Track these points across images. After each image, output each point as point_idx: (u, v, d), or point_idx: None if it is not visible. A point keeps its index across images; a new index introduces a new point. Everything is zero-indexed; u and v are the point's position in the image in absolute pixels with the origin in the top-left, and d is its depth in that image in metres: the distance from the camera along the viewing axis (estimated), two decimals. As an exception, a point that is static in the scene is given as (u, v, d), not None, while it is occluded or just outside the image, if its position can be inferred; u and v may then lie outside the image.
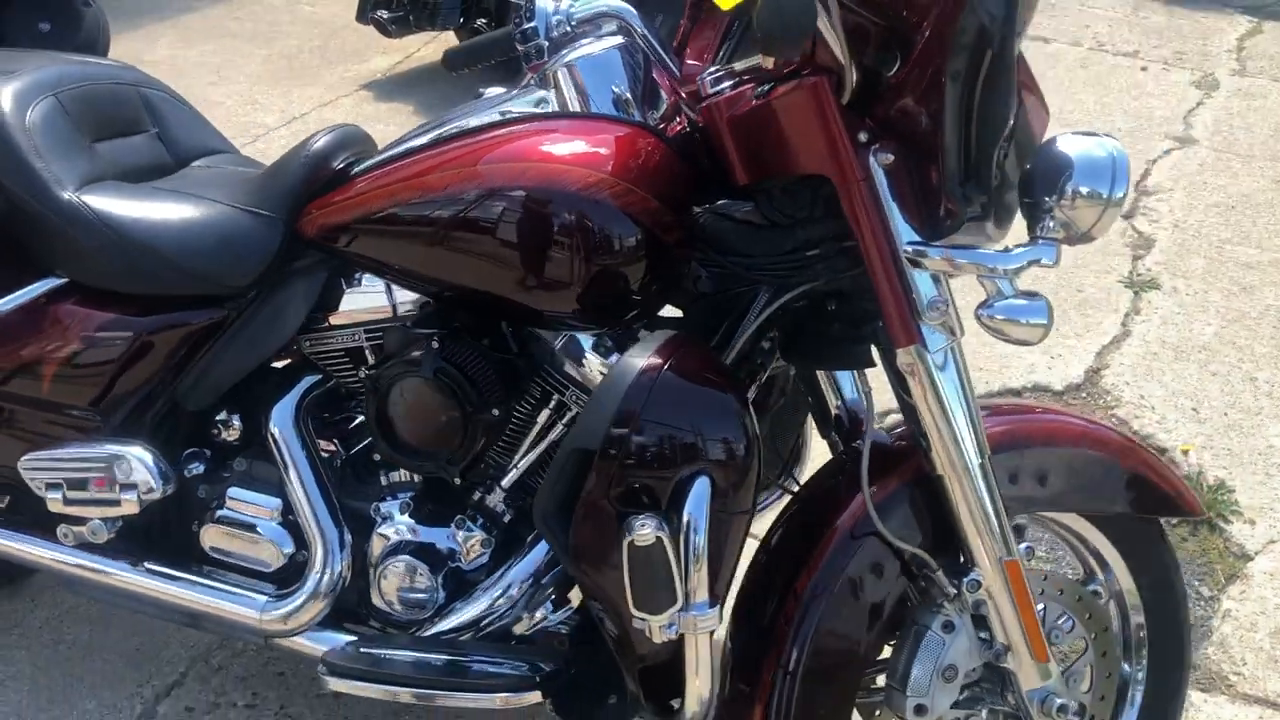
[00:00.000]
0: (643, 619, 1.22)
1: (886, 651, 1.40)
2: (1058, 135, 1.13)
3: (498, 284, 1.35)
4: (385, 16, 4.08)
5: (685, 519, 1.19)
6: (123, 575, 1.60)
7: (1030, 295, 1.15)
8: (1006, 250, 1.15)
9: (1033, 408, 1.50)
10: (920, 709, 1.30)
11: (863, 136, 1.16)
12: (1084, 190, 1.08)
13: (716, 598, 1.24)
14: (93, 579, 1.61)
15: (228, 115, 3.84)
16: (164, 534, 1.62)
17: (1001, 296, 1.16)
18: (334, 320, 1.51)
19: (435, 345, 1.39)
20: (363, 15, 4.18)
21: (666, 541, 1.19)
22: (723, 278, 1.34)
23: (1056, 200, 1.11)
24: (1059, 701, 1.34)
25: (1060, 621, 1.40)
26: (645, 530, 1.19)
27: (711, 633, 1.25)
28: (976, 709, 1.38)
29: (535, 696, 1.38)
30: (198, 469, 1.59)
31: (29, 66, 1.63)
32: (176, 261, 1.50)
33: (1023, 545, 1.31)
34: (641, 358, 1.23)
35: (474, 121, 1.41)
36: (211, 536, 1.57)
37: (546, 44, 1.37)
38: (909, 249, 1.16)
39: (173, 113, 1.76)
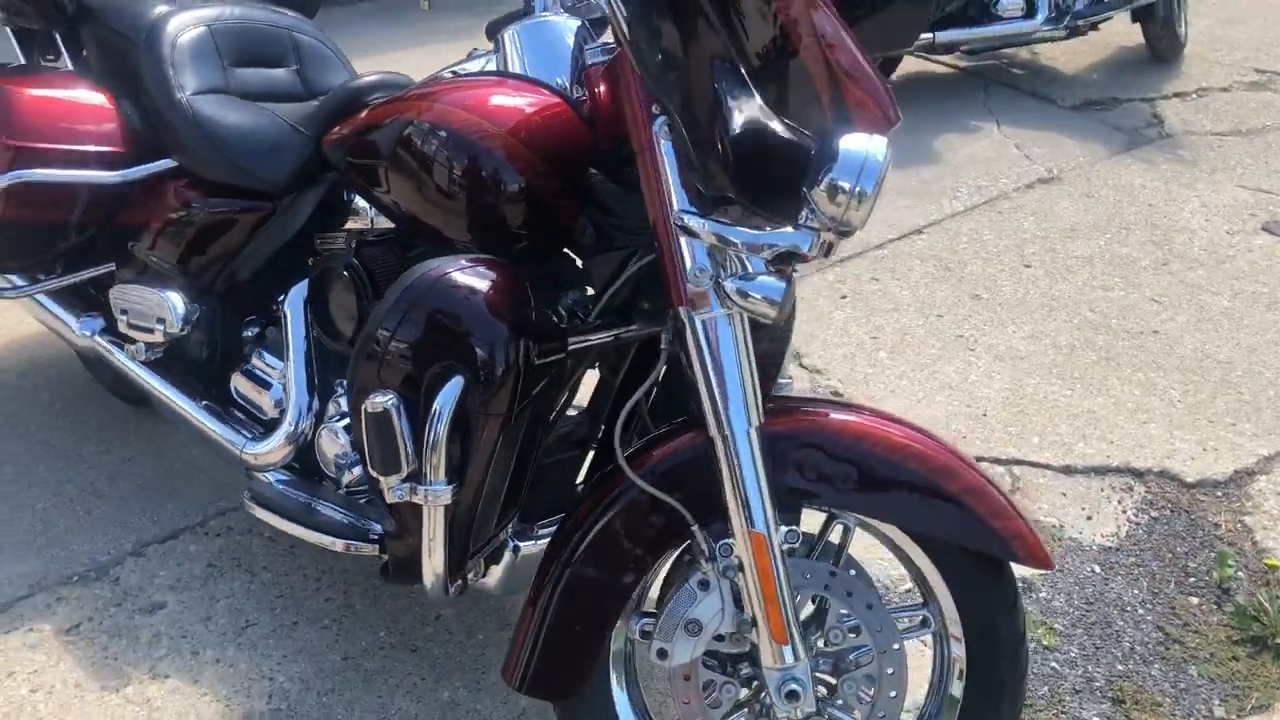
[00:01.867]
0: (376, 478, 1.39)
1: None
2: (842, 132, 1.14)
3: (416, 208, 1.55)
4: None
5: (433, 407, 1.34)
6: (162, 390, 1.96)
7: (777, 275, 1.20)
8: (762, 231, 1.19)
9: (860, 408, 1.43)
10: (662, 653, 1.36)
11: (655, 108, 1.26)
12: (835, 183, 1.11)
13: (461, 480, 1.38)
14: (147, 389, 1.99)
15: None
16: (209, 371, 1.97)
17: (746, 272, 1.22)
18: (346, 227, 1.78)
19: (353, 245, 1.70)
20: None
21: (395, 414, 1.35)
22: (601, 235, 1.47)
23: (810, 189, 1.12)
24: (796, 689, 1.34)
25: (843, 623, 1.40)
26: (378, 400, 1.35)
27: (446, 508, 1.39)
28: (733, 672, 1.42)
29: (371, 550, 1.63)
30: (249, 331, 1.95)
31: (211, 6, 2.03)
32: (236, 160, 1.83)
33: (786, 528, 1.32)
34: (439, 264, 1.39)
35: (445, 75, 1.64)
36: (237, 381, 1.94)
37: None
38: (680, 217, 1.23)
39: (317, 56, 2.07)
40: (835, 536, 1.42)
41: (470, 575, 1.56)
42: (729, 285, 1.22)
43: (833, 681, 1.42)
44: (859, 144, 1.12)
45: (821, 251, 1.17)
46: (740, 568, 1.32)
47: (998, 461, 2.34)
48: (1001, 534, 1.34)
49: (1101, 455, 2.36)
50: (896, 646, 1.40)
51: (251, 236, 1.90)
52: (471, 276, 1.38)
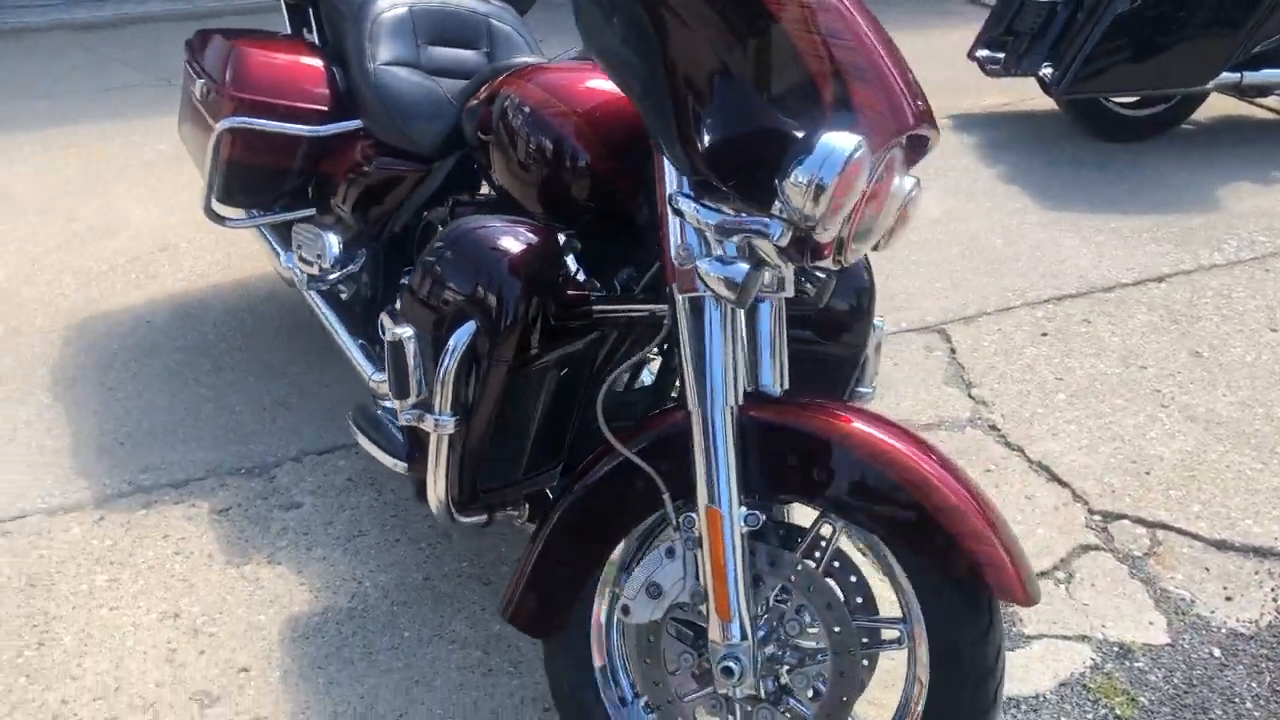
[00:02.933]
0: (391, 402, 1.57)
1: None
2: (836, 129, 1.15)
3: (500, 174, 1.69)
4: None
5: (447, 344, 1.48)
6: (324, 316, 2.22)
7: (740, 259, 1.24)
8: (733, 215, 1.23)
9: (862, 413, 1.36)
10: (625, 609, 1.44)
11: None
12: (798, 175, 1.13)
13: (469, 417, 1.52)
14: (316, 315, 2.26)
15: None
16: (370, 309, 2.19)
17: (712, 254, 1.28)
18: (481, 192, 2.00)
19: (451, 206, 1.99)
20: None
21: (407, 345, 1.52)
22: (654, 215, 1.51)
23: (780, 180, 1.14)
24: (732, 666, 1.36)
25: (801, 616, 1.40)
26: (396, 332, 1.53)
27: (451, 439, 1.53)
28: (691, 642, 1.45)
29: (402, 466, 1.73)
30: (403, 279, 2.10)
31: None
32: (397, 123, 2.06)
33: (748, 512, 1.34)
34: (480, 220, 1.53)
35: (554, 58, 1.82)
36: (382, 318, 2.08)
37: None
38: (675, 198, 1.28)
39: (509, 42, 2.28)
40: (827, 533, 1.42)
41: (507, 512, 1.68)
42: (700, 265, 1.27)
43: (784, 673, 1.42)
44: (831, 140, 1.15)
45: (803, 250, 1.20)
46: (700, 541, 1.37)
47: (1141, 521, 2.17)
48: (971, 557, 1.30)
49: (1270, 537, 2.13)
50: (853, 651, 1.38)
51: (409, 195, 2.11)
52: (503, 234, 1.50)
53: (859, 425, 1.37)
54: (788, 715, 1.41)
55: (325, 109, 2.23)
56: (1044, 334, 2.85)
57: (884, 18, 1.33)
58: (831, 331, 1.70)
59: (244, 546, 2.08)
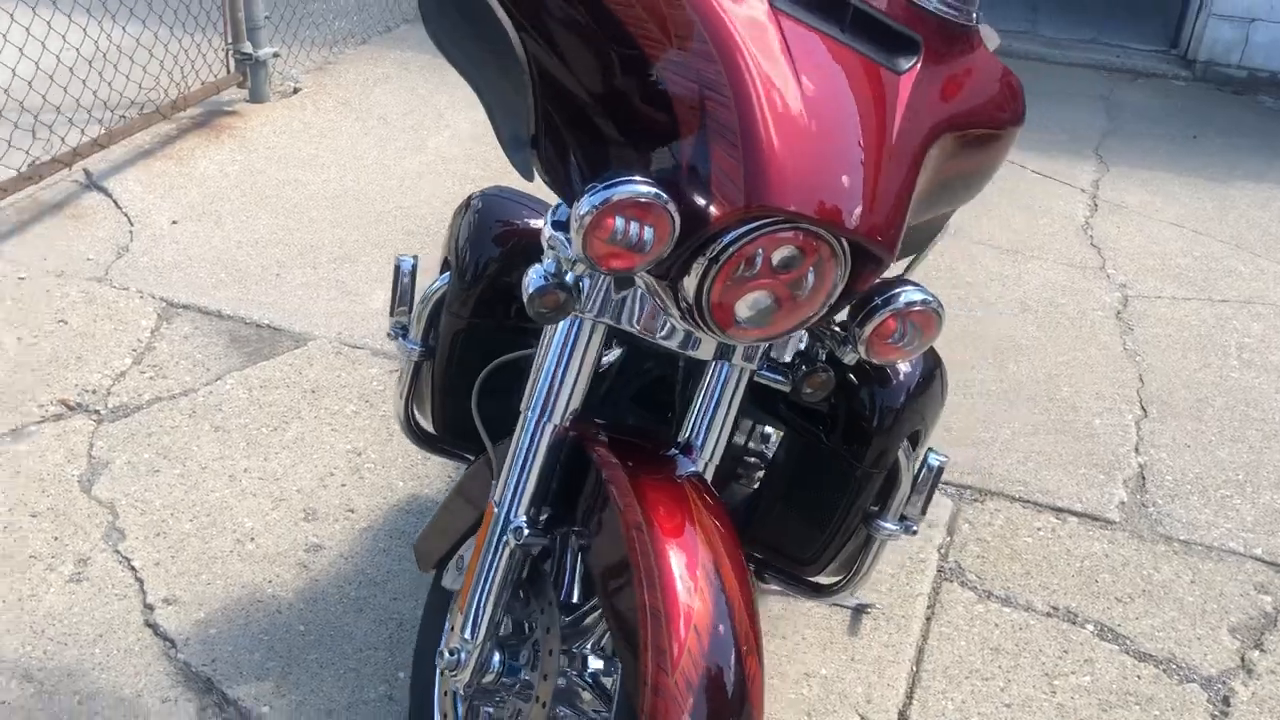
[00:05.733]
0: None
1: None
2: (665, 182, 1.18)
3: None
4: None
5: (430, 284, 1.75)
6: None
7: (551, 273, 1.31)
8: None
9: (704, 505, 1.38)
10: (448, 573, 1.67)
11: None
12: (578, 208, 1.20)
13: (431, 354, 1.77)
14: None
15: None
16: None
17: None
18: None
19: None
20: None
21: (401, 270, 1.78)
22: None
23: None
24: (452, 659, 1.50)
25: (522, 644, 1.51)
26: (401, 257, 1.79)
27: (415, 366, 1.80)
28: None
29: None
30: None
31: None
32: None
33: (529, 531, 1.43)
34: (506, 190, 1.71)
35: None
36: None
37: None
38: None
39: None
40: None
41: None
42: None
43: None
44: (618, 183, 1.16)
45: (680, 305, 1.25)
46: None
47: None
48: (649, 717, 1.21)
49: None
50: (545, 705, 1.45)
51: None
52: (505, 205, 1.69)
53: (667, 514, 1.35)
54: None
55: None
56: None
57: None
58: (835, 433, 1.66)
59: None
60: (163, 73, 4.06)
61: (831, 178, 1.20)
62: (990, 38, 1.86)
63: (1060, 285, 3.52)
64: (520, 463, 1.44)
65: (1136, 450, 2.75)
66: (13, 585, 2.06)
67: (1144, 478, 2.65)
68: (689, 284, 1.23)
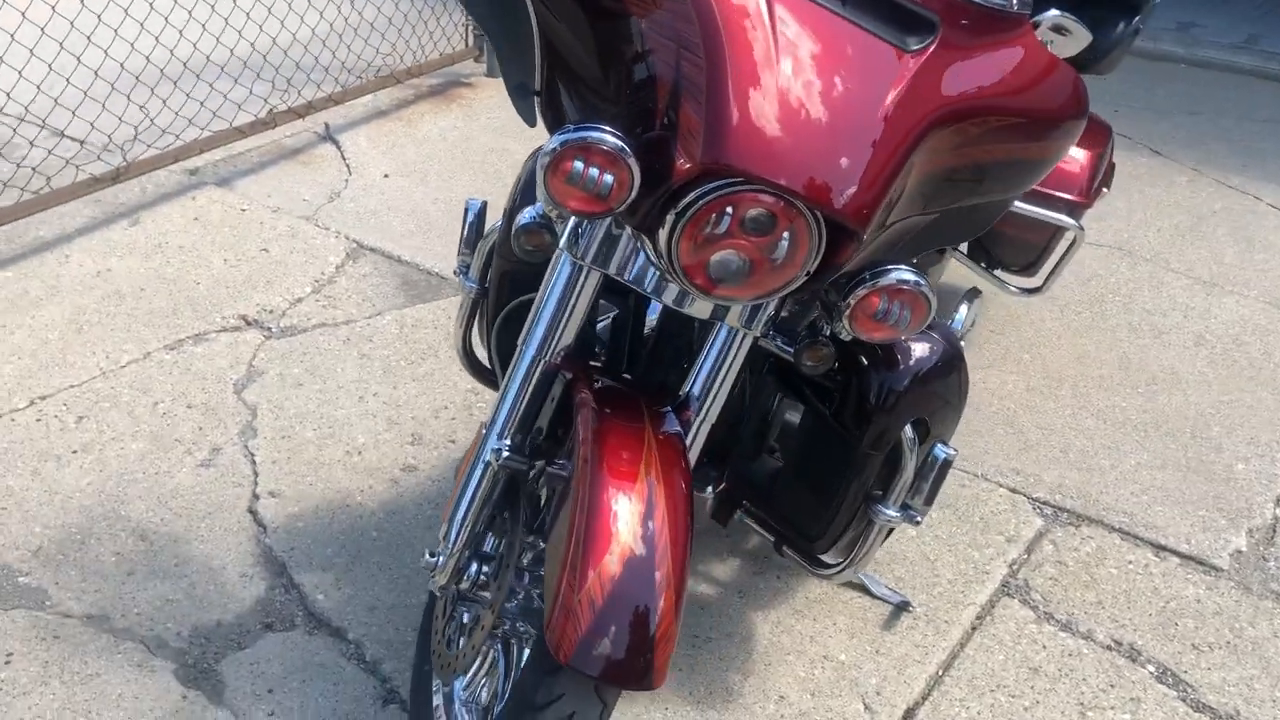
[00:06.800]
0: None
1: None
2: (636, 132, 1.25)
3: None
4: None
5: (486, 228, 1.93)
6: None
7: (546, 219, 1.42)
8: None
9: (672, 462, 1.43)
10: None
11: None
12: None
13: (482, 285, 1.92)
14: None
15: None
16: None
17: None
18: None
19: None
20: None
21: (470, 209, 1.92)
22: None
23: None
24: (432, 560, 1.63)
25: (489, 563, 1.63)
26: (469, 204, 1.93)
27: (472, 302, 1.96)
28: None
29: None
30: None
31: None
32: None
33: (509, 452, 1.53)
34: None
35: None
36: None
37: None
38: None
39: None
40: None
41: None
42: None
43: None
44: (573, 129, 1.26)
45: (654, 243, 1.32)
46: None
47: None
48: (552, 630, 1.30)
49: None
50: (495, 602, 1.58)
51: None
52: None
53: (617, 435, 1.40)
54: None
55: None
56: None
57: None
58: (841, 411, 1.69)
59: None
60: (401, 43, 4.44)
61: (798, 145, 1.24)
62: (1078, 35, 1.81)
63: (1253, 324, 3.26)
64: (511, 391, 1.56)
65: (1279, 503, 2.54)
66: (155, 461, 2.39)
67: (1275, 531, 2.45)
68: (662, 236, 1.32)
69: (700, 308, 1.48)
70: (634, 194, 1.33)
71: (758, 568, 2.21)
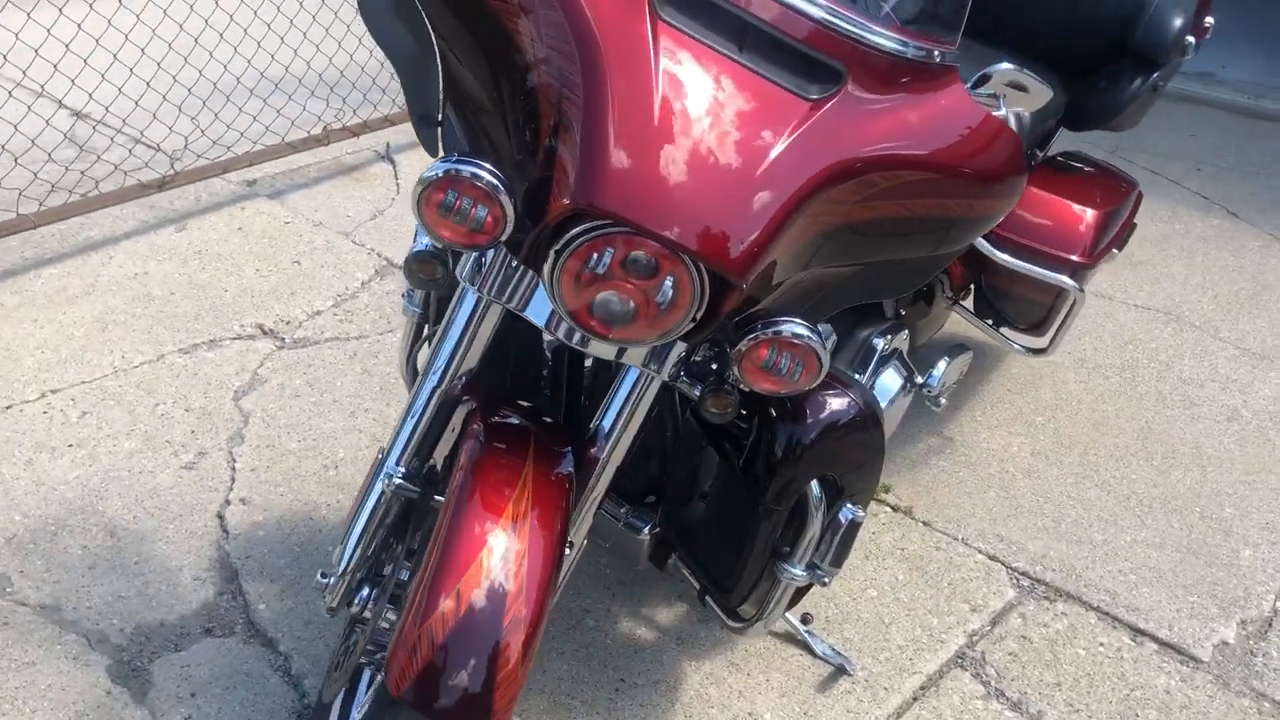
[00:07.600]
0: None
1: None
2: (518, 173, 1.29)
3: None
4: None
5: None
6: None
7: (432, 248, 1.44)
8: None
9: (546, 492, 1.46)
10: None
11: None
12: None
13: (424, 309, 1.95)
14: None
15: None
16: None
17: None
18: None
19: None
20: None
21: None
22: None
23: None
24: (324, 581, 1.64)
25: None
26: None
27: (415, 324, 1.99)
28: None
29: None
30: None
31: None
32: None
33: (404, 472, 1.54)
34: None
35: None
36: None
37: None
38: None
39: None
40: None
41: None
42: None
43: None
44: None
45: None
46: None
47: None
48: (391, 663, 1.31)
49: None
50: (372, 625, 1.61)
51: None
52: None
53: (493, 471, 1.40)
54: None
55: None
56: None
57: None
58: (746, 460, 1.66)
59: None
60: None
61: (674, 190, 1.23)
62: (1036, 92, 1.75)
63: (1298, 402, 3.08)
64: (409, 418, 1.57)
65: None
66: (142, 460, 2.48)
67: (1270, 625, 2.30)
68: (545, 272, 1.32)
69: (601, 348, 1.47)
70: (508, 229, 1.33)
71: (702, 615, 2.17)
